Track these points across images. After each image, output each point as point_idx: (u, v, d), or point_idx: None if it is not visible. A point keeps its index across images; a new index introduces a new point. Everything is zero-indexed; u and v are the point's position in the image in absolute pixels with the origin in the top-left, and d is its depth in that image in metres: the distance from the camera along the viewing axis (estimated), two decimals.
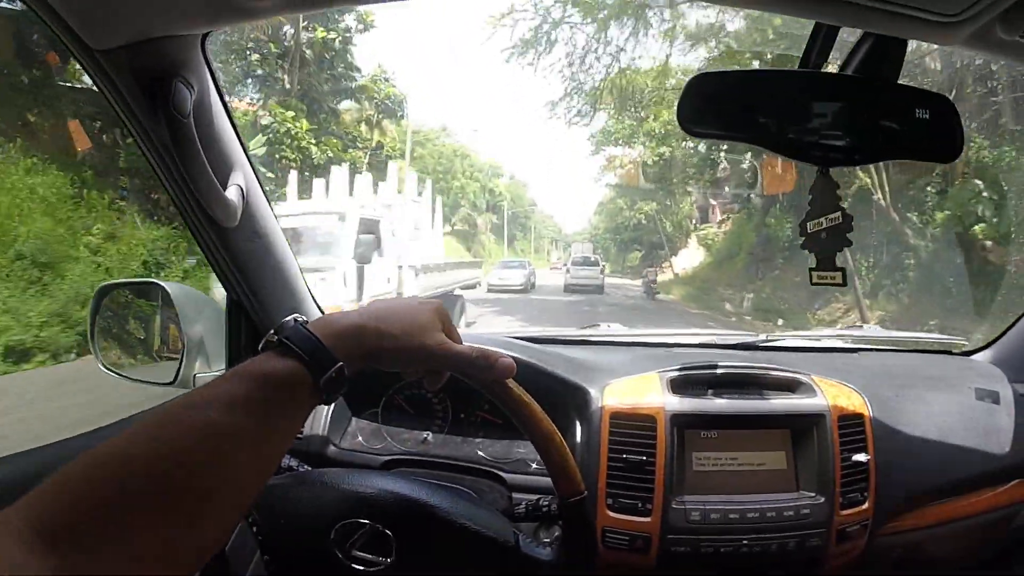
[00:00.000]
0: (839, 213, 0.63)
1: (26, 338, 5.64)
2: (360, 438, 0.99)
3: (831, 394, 0.90)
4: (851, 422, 0.88)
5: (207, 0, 0.59)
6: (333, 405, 0.95)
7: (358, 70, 18.20)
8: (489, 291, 14.26)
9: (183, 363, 0.91)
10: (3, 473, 0.67)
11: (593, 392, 0.91)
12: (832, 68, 0.62)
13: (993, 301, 7.01)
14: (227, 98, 0.78)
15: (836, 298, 10.01)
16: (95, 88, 0.66)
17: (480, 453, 0.96)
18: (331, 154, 15.13)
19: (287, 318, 0.47)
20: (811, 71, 0.61)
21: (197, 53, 0.69)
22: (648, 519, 0.81)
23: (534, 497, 0.72)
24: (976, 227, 7.34)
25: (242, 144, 0.82)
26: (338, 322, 0.48)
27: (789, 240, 11.76)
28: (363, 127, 18.62)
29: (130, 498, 0.35)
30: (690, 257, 20.27)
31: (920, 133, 0.60)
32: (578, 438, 0.89)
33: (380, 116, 19.16)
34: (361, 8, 13.21)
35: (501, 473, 0.91)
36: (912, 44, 0.61)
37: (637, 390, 0.90)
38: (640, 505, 0.82)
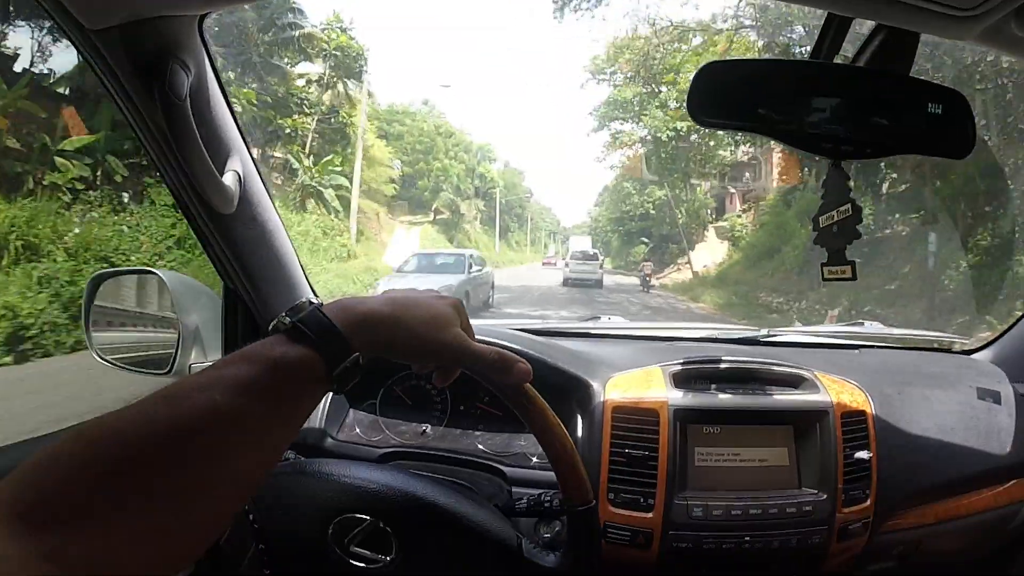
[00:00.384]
0: (848, 205, 0.63)
1: None
2: (358, 430, 0.97)
3: (834, 391, 0.89)
4: (854, 419, 0.87)
5: None
6: (330, 395, 0.94)
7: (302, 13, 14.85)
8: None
9: (178, 352, 0.90)
10: None
11: (595, 385, 0.90)
12: (842, 60, 0.61)
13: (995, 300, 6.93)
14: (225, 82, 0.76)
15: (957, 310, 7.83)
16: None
17: (480, 446, 0.95)
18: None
19: (302, 300, 0.44)
20: (823, 62, 0.61)
21: (194, 35, 0.67)
22: (650, 515, 0.81)
23: (536, 492, 0.71)
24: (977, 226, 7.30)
25: (240, 129, 0.80)
26: (355, 309, 0.45)
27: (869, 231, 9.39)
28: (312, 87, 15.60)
29: (121, 480, 0.32)
30: (712, 252, 18.26)
31: (932, 128, 0.59)
32: (580, 432, 0.88)
33: (333, 74, 16.10)
34: None
35: (501, 467, 0.90)
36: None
37: (640, 384, 0.89)
38: (642, 500, 0.81)
